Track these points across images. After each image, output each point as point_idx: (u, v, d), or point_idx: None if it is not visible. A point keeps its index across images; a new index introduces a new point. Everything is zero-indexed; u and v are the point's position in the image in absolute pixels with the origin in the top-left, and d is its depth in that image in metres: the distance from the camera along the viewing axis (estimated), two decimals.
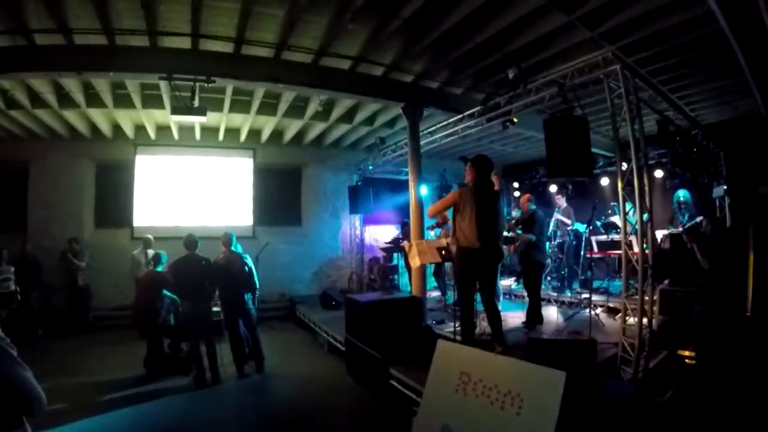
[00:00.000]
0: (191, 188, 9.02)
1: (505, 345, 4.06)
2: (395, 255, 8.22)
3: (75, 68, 4.75)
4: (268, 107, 7.14)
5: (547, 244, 6.90)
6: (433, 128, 7.04)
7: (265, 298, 8.06)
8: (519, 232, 5.73)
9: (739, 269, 5.54)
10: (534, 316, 5.51)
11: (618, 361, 3.90)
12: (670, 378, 4.13)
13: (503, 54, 5.01)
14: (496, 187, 4.39)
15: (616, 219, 7.21)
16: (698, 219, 6.53)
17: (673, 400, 3.78)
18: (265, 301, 8.00)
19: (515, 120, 5.66)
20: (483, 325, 5.18)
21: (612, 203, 7.80)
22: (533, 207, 5.83)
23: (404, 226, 7.93)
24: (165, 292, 5.33)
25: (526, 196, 6.09)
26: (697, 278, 4.48)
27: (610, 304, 6.10)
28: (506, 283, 8.36)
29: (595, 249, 6.79)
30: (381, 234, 10.18)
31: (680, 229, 6.40)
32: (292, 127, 8.54)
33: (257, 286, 5.43)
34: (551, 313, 6.21)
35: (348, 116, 7.68)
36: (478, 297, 4.19)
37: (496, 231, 4.15)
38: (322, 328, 6.72)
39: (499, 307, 4.50)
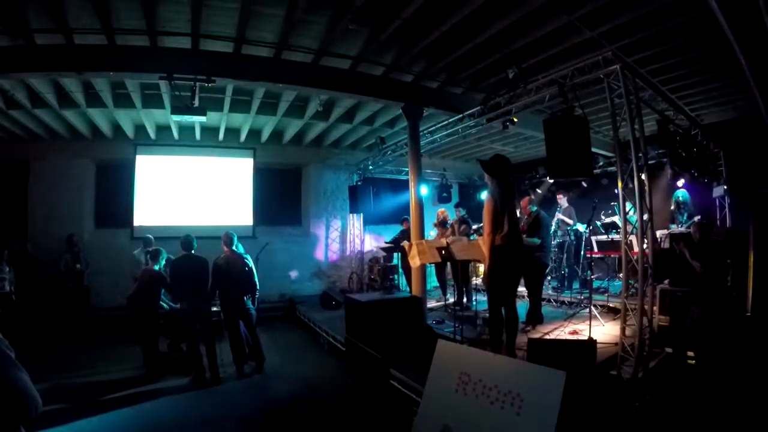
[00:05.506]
0: (191, 188, 9.02)
1: (514, 354, 3.98)
2: (395, 255, 8.22)
3: (75, 68, 4.75)
4: (268, 107, 7.14)
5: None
6: (434, 128, 7.04)
7: (265, 298, 8.06)
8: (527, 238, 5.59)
9: (736, 270, 5.57)
10: (534, 316, 5.51)
11: (618, 361, 3.90)
12: (670, 378, 4.13)
13: (503, 54, 5.02)
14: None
15: (616, 219, 7.22)
16: (696, 218, 6.54)
17: (673, 400, 3.77)
18: (265, 301, 8.00)
19: (515, 120, 5.67)
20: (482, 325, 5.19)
21: (612, 203, 7.81)
22: (534, 208, 5.80)
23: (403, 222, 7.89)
24: (163, 295, 5.33)
25: (526, 199, 6.00)
26: (694, 280, 4.50)
27: (610, 304, 6.10)
28: None
29: (595, 249, 6.80)
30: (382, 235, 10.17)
31: (681, 228, 6.41)
32: (292, 127, 8.54)
33: (257, 287, 5.42)
34: (551, 313, 6.21)
35: (348, 116, 7.68)
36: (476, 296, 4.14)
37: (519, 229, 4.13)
38: (322, 328, 6.72)
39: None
